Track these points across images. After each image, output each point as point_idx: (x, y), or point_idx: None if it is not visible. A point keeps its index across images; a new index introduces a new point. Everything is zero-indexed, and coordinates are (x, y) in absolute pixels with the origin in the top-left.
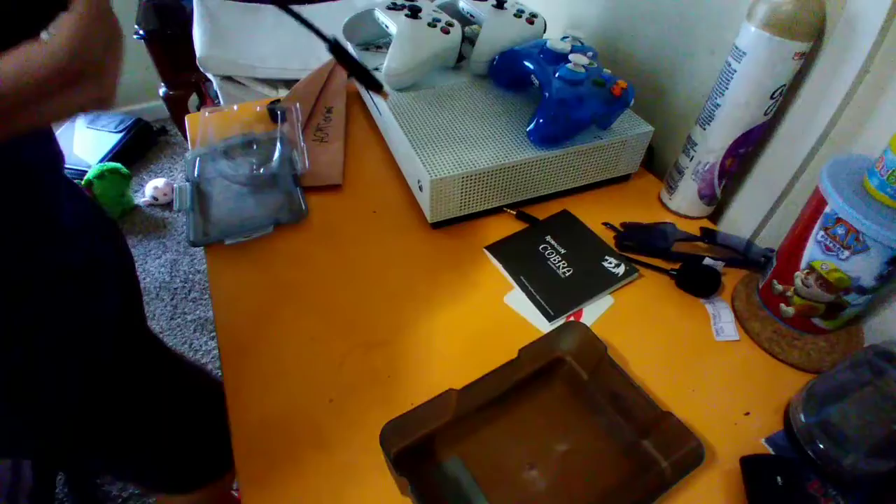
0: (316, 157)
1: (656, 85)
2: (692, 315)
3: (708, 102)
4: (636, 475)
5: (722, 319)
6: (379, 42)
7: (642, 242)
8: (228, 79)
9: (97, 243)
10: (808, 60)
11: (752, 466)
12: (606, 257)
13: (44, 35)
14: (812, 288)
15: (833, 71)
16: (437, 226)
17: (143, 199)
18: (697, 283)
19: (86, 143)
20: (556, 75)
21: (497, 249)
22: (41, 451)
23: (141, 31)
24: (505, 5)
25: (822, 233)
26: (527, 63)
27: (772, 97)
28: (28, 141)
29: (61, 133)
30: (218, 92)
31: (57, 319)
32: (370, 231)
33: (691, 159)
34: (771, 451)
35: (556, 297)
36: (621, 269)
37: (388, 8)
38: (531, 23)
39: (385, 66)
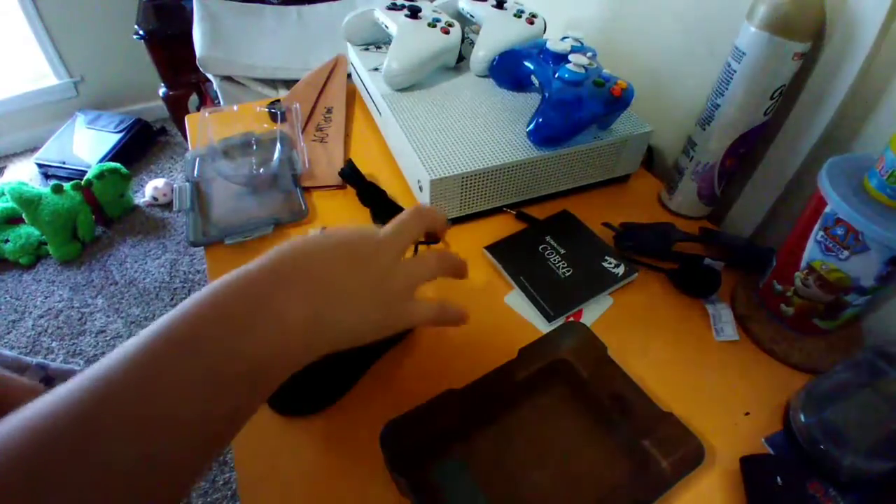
0: (316, 157)
1: (656, 85)
2: (692, 315)
3: (708, 103)
4: (636, 475)
5: (722, 319)
6: (379, 42)
7: (642, 242)
8: (228, 79)
9: None
10: (808, 60)
11: (751, 466)
12: (606, 257)
13: None
14: (812, 288)
15: (833, 71)
16: None
17: (142, 200)
18: (697, 283)
19: (86, 144)
20: (556, 75)
21: (497, 249)
22: None
23: (141, 31)
24: (505, 5)
25: (821, 233)
26: (527, 63)
27: (772, 97)
28: None
29: (61, 133)
30: (218, 92)
31: None
32: None
33: (691, 159)
34: (771, 451)
35: (556, 297)
36: (621, 270)
37: (388, 8)
38: (531, 23)
39: (385, 66)
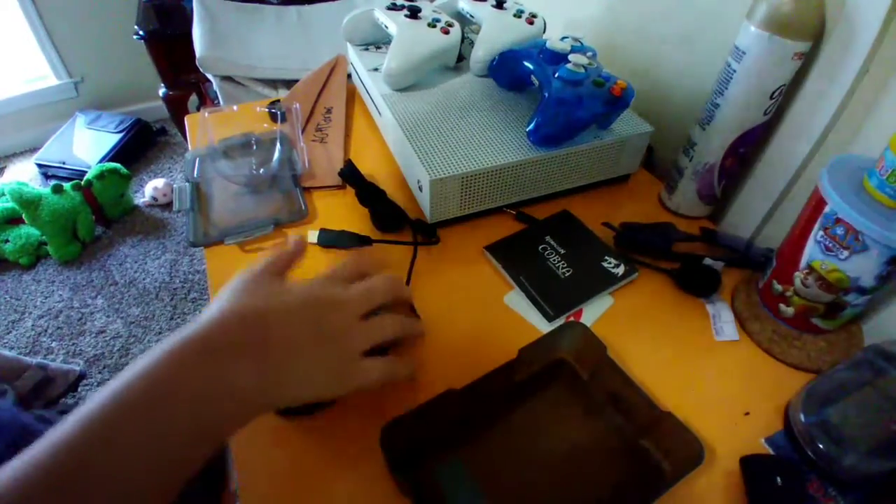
0: (316, 157)
1: (656, 85)
2: (692, 315)
3: (708, 102)
4: (636, 475)
5: (722, 319)
6: (379, 42)
7: (642, 242)
8: (228, 79)
9: None
10: (808, 60)
11: (751, 466)
12: (606, 257)
13: None
14: (812, 288)
15: (833, 71)
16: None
17: (142, 200)
18: (697, 282)
19: (86, 144)
20: (556, 75)
21: (497, 249)
22: None
23: (141, 32)
24: (505, 5)
25: (821, 233)
26: (526, 63)
27: (771, 97)
28: None
29: (61, 133)
30: (218, 92)
31: None
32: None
33: (691, 159)
34: (771, 451)
35: (556, 297)
36: (621, 269)
37: (388, 8)
38: (531, 23)
39: (385, 66)
